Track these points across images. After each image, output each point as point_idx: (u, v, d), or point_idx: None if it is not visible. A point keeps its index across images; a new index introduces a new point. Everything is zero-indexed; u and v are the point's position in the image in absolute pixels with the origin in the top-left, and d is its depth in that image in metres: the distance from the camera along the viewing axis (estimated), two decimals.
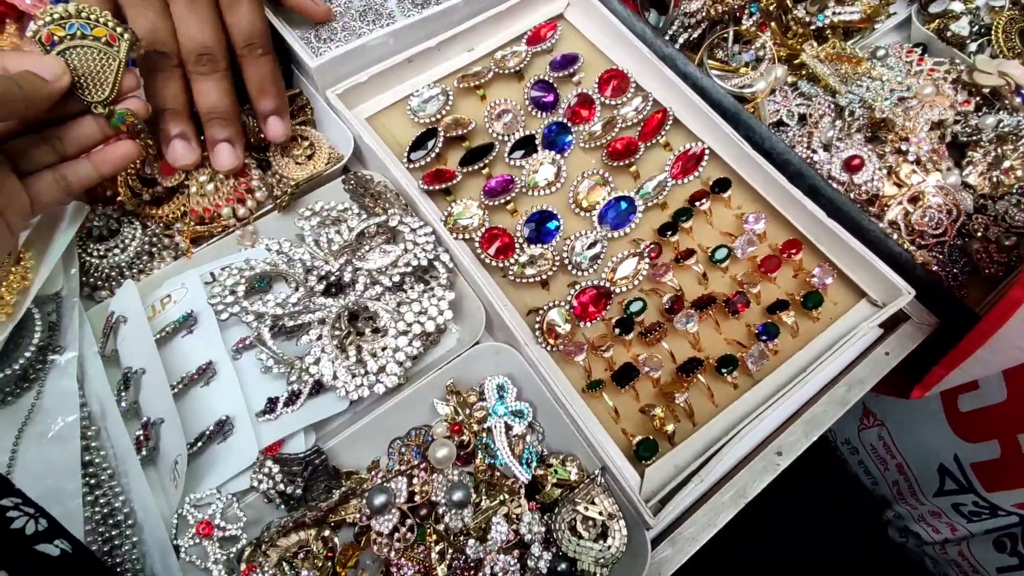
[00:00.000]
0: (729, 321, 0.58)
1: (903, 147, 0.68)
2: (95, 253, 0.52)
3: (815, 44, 0.74)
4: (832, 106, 0.72)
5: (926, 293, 0.57)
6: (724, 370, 0.54)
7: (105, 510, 0.43)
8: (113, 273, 0.51)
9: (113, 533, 0.42)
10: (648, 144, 0.65)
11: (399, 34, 0.64)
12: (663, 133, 0.65)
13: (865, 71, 0.72)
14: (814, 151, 0.70)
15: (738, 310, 0.57)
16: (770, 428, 0.54)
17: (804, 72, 0.75)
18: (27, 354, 0.45)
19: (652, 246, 0.60)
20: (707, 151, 0.64)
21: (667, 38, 0.73)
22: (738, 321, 0.58)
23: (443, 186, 0.60)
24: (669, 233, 0.60)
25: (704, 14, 0.75)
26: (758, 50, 0.75)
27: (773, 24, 0.75)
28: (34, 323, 0.46)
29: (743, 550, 0.93)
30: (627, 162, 0.63)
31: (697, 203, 0.62)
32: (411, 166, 0.62)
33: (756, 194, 0.63)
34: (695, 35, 0.77)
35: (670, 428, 0.51)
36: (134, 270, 0.53)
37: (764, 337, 0.56)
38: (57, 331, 0.47)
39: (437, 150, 0.62)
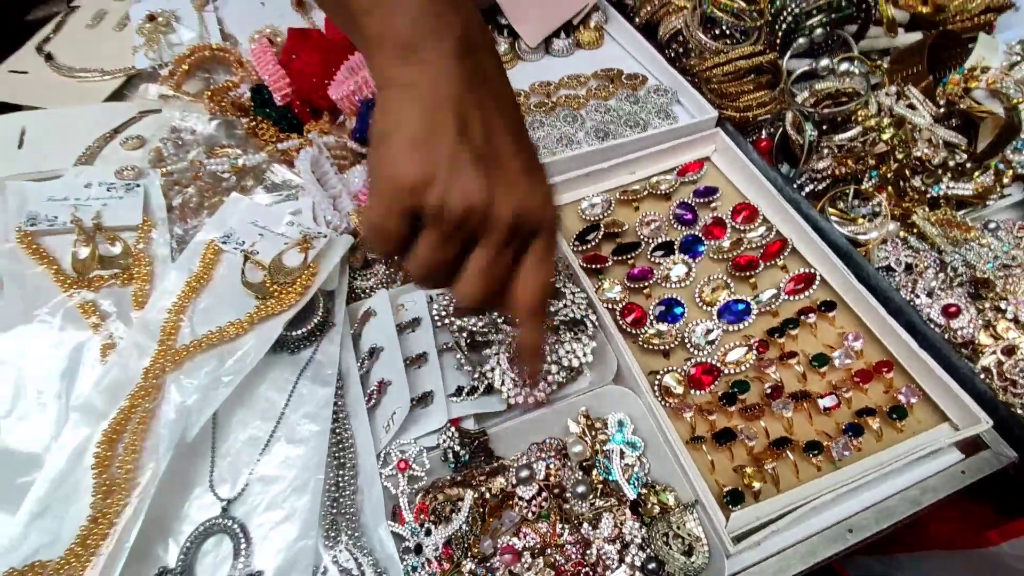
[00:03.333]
0: (820, 416, 0.69)
1: (1002, 305, 0.77)
2: (359, 277, 0.75)
3: (927, 209, 0.87)
4: (938, 261, 0.83)
5: (1006, 429, 0.65)
6: (811, 452, 0.65)
7: (338, 437, 0.61)
8: (367, 287, 0.74)
9: (342, 455, 0.60)
10: (768, 264, 0.80)
11: (582, 156, 0.87)
12: (782, 258, 0.80)
13: (974, 238, 0.84)
14: (916, 295, 0.81)
15: (830, 408, 0.68)
16: (845, 508, 0.63)
17: (915, 230, 0.87)
18: (311, 324, 0.67)
19: (760, 342, 0.73)
20: (819, 277, 0.77)
21: (795, 186, 0.90)
22: (828, 418, 0.69)
23: (597, 267, 0.79)
24: (777, 335, 0.74)
25: (829, 172, 0.91)
26: (875, 206, 0.89)
27: (890, 188, 0.89)
28: (318, 304, 0.68)
29: None
30: (748, 274, 0.79)
31: (804, 316, 0.75)
32: (576, 248, 0.81)
33: (858, 319, 0.75)
34: (820, 187, 0.93)
35: (757, 486, 0.62)
36: (378, 286, 0.75)
37: (850, 433, 0.66)
38: (331, 313, 0.69)
39: (597, 240, 0.82)
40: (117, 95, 0.92)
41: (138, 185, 0.73)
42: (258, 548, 0.55)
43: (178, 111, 0.85)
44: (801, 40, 0.94)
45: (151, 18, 0.96)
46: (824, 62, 0.92)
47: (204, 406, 0.58)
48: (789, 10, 0.94)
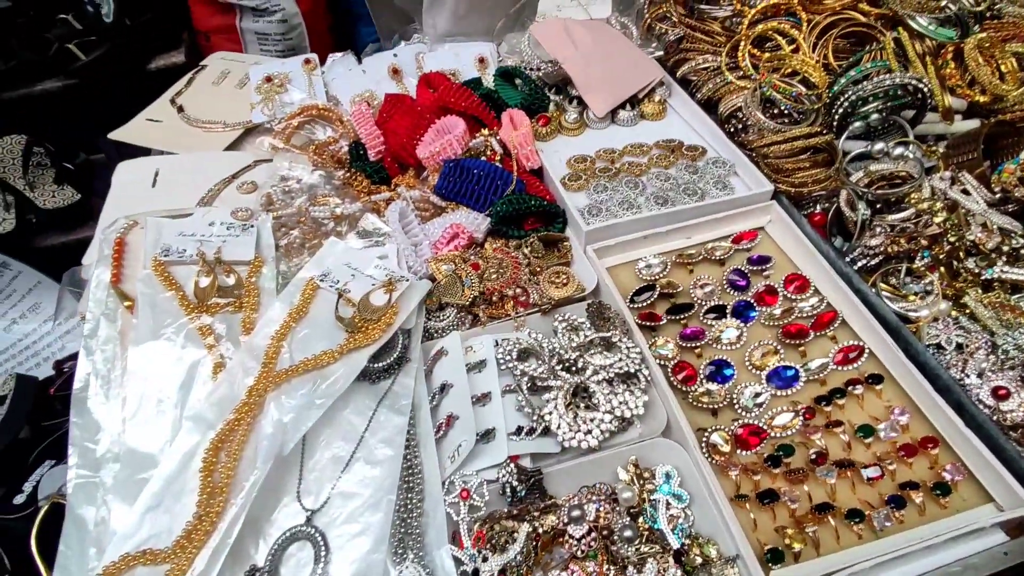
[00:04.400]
0: (863, 486, 0.71)
1: None
2: (433, 318, 0.83)
3: (980, 291, 0.89)
4: (989, 343, 0.85)
5: None
6: (852, 520, 0.67)
7: (409, 463, 0.68)
8: (440, 328, 0.82)
9: (411, 480, 0.67)
10: (817, 334, 0.84)
11: (642, 221, 0.94)
12: (831, 329, 0.84)
13: None
14: (967, 375, 0.83)
15: (873, 479, 0.71)
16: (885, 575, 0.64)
17: (967, 311, 0.89)
18: (391, 358, 0.75)
19: (808, 409, 0.77)
20: (867, 351, 0.81)
21: (848, 260, 0.94)
22: (871, 488, 0.71)
23: (651, 324, 0.85)
24: (824, 403, 0.77)
25: (882, 249, 0.94)
26: (927, 285, 0.92)
27: (943, 269, 0.92)
28: (398, 341, 0.76)
29: None
30: (797, 343, 0.83)
31: (852, 387, 0.78)
32: (632, 306, 0.87)
33: (905, 394, 0.78)
34: (872, 263, 0.96)
35: (797, 548, 0.65)
36: (450, 328, 0.83)
37: (892, 505, 0.68)
38: (408, 350, 0.77)
39: (652, 299, 0.88)
40: (235, 145, 1.05)
41: (252, 226, 0.84)
42: (335, 556, 0.61)
43: (286, 161, 0.97)
44: (857, 123, 1.00)
45: (268, 79, 1.10)
46: (879, 145, 0.97)
47: (299, 424, 0.66)
48: (847, 95, 0.99)
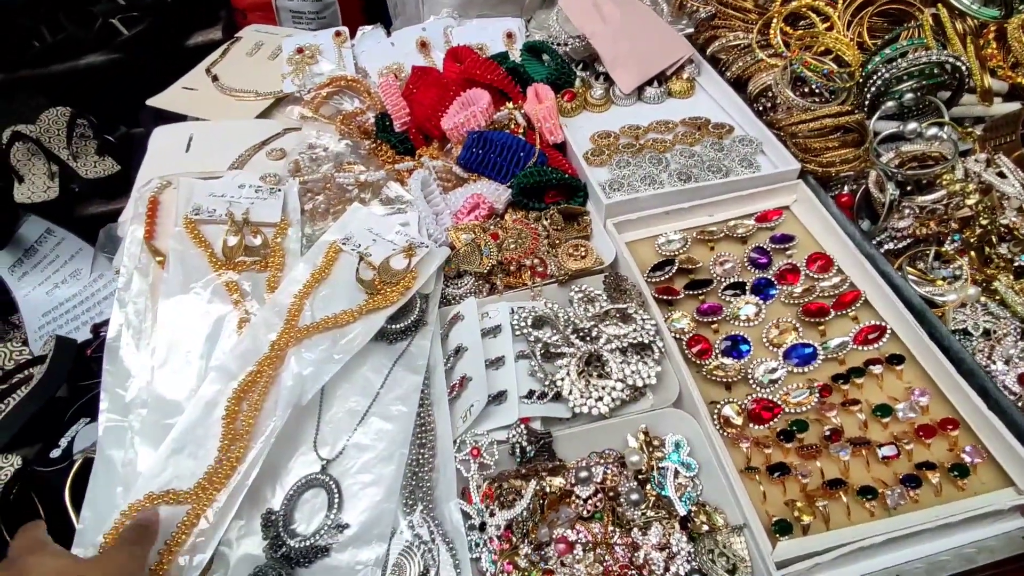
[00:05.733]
0: (879, 465, 0.70)
1: None
2: (451, 285, 0.84)
3: (1011, 277, 0.86)
4: (1019, 329, 0.82)
5: None
6: (865, 497, 0.66)
7: (422, 421, 0.70)
8: (457, 294, 0.83)
9: (424, 437, 0.68)
10: (839, 314, 0.82)
11: (664, 196, 0.93)
12: (853, 309, 0.82)
13: None
14: (993, 362, 0.80)
15: (889, 457, 0.70)
16: (895, 556, 0.64)
17: (997, 297, 0.87)
18: (408, 320, 0.76)
19: (824, 386, 0.76)
20: (889, 331, 0.79)
21: (874, 243, 0.92)
22: (886, 467, 0.70)
23: (668, 298, 0.85)
24: (841, 382, 0.76)
25: (910, 232, 0.92)
26: (955, 270, 0.89)
27: (973, 253, 0.90)
28: (416, 304, 0.78)
29: None
30: (817, 321, 0.82)
31: (871, 367, 0.77)
32: (650, 280, 0.87)
33: (926, 376, 0.76)
34: (899, 246, 0.94)
35: (807, 520, 0.65)
36: (467, 295, 0.84)
37: (908, 484, 0.67)
38: (425, 313, 0.78)
39: (670, 274, 0.87)
40: (266, 113, 1.08)
41: (279, 190, 0.86)
42: (348, 504, 0.63)
43: (314, 130, 0.99)
44: (890, 103, 0.97)
45: (299, 51, 1.12)
46: (912, 125, 0.95)
47: (318, 377, 0.68)
48: (880, 74, 0.97)
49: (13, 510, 1.11)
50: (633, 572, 0.61)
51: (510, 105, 1.01)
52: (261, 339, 0.72)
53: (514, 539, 0.63)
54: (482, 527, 0.63)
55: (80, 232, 1.59)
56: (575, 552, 0.62)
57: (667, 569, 0.61)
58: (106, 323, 1.42)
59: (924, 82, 0.97)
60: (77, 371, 1.32)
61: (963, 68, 0.94)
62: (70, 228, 1.59)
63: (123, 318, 0.75)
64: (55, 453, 1.20)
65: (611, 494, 0.65)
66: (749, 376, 0.77)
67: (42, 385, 1.30)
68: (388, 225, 0.84)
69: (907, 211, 0.91)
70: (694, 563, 0.61)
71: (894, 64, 0.96)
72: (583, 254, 0.90)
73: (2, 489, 1.15)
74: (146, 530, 0.58)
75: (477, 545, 0.62)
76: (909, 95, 0.97)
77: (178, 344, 0.73)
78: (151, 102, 1.11)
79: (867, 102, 0.99)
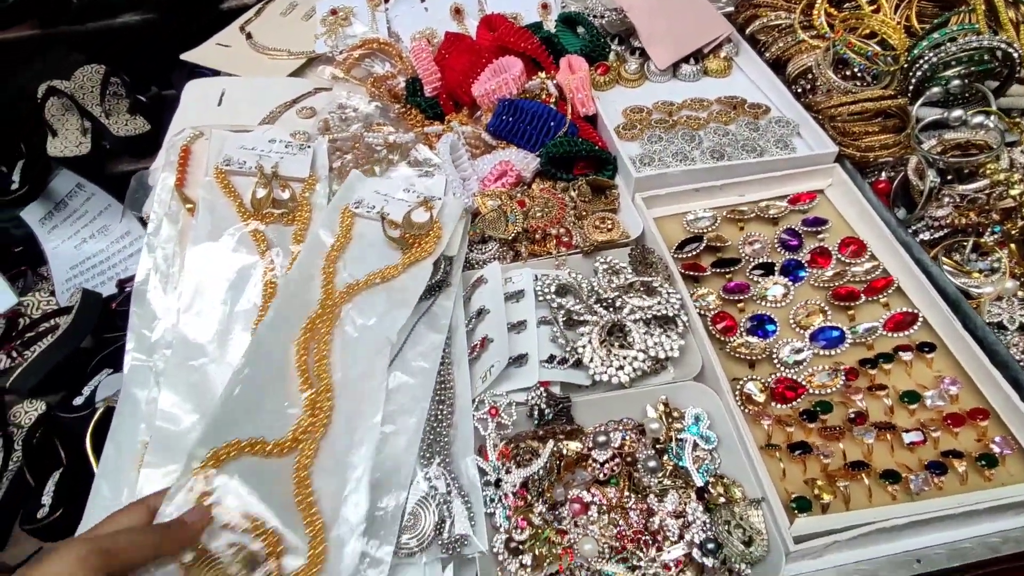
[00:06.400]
0: (903, 450, 0.69)
1: None
2: (475, 250, 0.84)
3: None
4: None
5: None
6: (887, 480, 0.65)
7: (443, 378, 0.69)
8: (482, 259, 0.83)
9: (443, 394, 0.68)
10: (869, 299, 0.81)
11: (694, 173, 0.92)
12: (885, 295, 0.80)
13: None
14: None
15: (914, 443, 0.68)
16: (916, 540, 0.62)
17: None
18: (433, 281, 0.76)
19: (851, 370, 0.74)
20: (921, 319, 0.77)
21: (910, 231, 0.89)
22: (911, 453, 0.69)
23: (695, 274, 0.83)
24: (868, 366, 0.74)
25: (948, 222, 0.89)
26: (993, 262, 0.87)
27: (1013, 246, 0.87)
28: (440, 265, 0.78)
29: None
30: (847, 305, 0.80)
31: (900, 353, 0.75)
32: (677, 256, 0.86)
33: (957, 366, 0.74)
34: (936, 235, 0.91)
35: (827, 499, 0.63)
36: (491, 260, 0.83)
37: (934, 470, 0.65)
38: (449, 275, 0.78)
39: (698, 250, 0.86)
40: (298, 73, 1.08)
41: (309, 146, 0.86)
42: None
43: (345, 91, 0.99)
44: (935, 89, 0.95)
45: (333, 12, 1.12)
46: (957, 112, 0.92)
47: (387, 326, 0.69)
48: (926, 58, 0.94)
49: (36, 453, 1.14)
50: (647, 537, 0.61)
51: (543, 75, 1.00)
52: (301, 299, 0.72)
53: (529, 497, 0.62)
54: (497, 483, 0.63)
55: (109, 189, 1.62)
56: (589, 513, 0.62)
57: (681, 537, 0.61)
58: (131, 279, 1.45)
59: (972, 69, 0.94)
60: (101, 324, 1.35)
61: (1015, 55, 0.91)
62: (99, 185, 1.61)
63: (151, 263, 0.76)
64: (78, 401, 1.22)
65: (628, 459, 0.64)
66: (774, 356, 0.76)
67: (67, 335, 1.32)
68: (394, 185, 0.84)
69: (946, 200, 0.89)
70: (709, 532, 0.60)
71: (942, 48, 0.93)
72: (609, 227, 0.88)
73: (26, 432, 1.18)
74: (188, 533, 0.51)
75: (492, 501, 0.62)
76: (956, 82, 0.94)
77: (204, 289, 0.73)
78: (185, 56, 1.11)
79: (911, 87, 0.96)
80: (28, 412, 1.19)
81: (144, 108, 1.68)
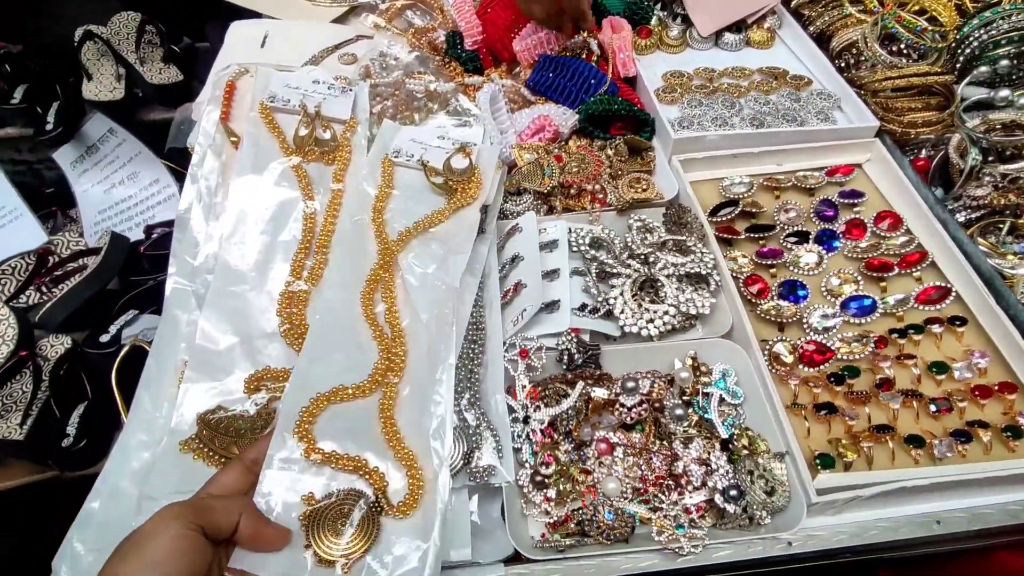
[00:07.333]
0: (928, 418, 0.69)
1: None
2: (510, 201, 0.84)
3: None
4: None
5: None
6: (911, 444, 0.65)
7: (475, 319, 0.70)
8: (517, 211, 0.83)
9: (475, 334, 0.69)
10: (902, 272, 0.80)
11: (733, 138, 0.91)
12: (918, 269, 0.80)
13: None
14: None
15: (940, 412, 0.68)
16: (938, 504, 0.63)
17: None
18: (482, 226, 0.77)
19: (880, 338, 0.74)
20: (954, 293, 0.77)
21: (947, 209, 0.89)
22: (936, 421, 0.69)
23: (728, 236, 0.84)
24: (898, 336, 0.74)
25: (987, 202, 0.89)
26: None
27: None
28: (487, 211, 0.78)
29: None
30: (880, 276, 0.80)
31: (931, 326, 0.75)
32: (712, 219, 0.86)
33: (988, 341, 0.74)
34: (974, 215, 0.91)
35: (850, 458, 0.64)
36: (526, 211, 0.84)
37: (959, 438, 0.66)
38: (484, 222, 0.78)
39: (733, 214, 0.86)
40: (341, 20, 1.08)
41: (351, 89, 0.87)
42: None
43: (387, 40, 0.99)
44: (983, 68, 0.93)
45: None
46: (1004, 92, 0.91)
47: (450, 271, 0.70)
48: (976, 36, 0.93)
49: (63, 386, 1.17)
50: (670, 481, 0.62)
51: (584, 32, 0.99)
52: (358, 251, 0.73)
53: (556, 436, 0.64)
54: (526, 420, 0.64)
55: (140, 136, 1.63)
56: (615, 454, 0.63)
57: (704, 483, 0.62)
58: (159, 225, 1.47)
59: (1023, 48, 0.92)
60: (128, 267, 1.37)
61: None
62: (131, 131, 1.62)
63: (195, 192, 0.77)
64: (104, 338, 1.24)
65: (656, 406, 0.65)
66: (804, 321, 0.76)
67: (95, 274, 1.35)
68: (429, 132, 0.84)
69: (986, 179, 0.88)
70: (733, 480, 0.61)
71: (993, 26, 0.92)
72: (644, 188, 0.89)
73: (53, 365, 1.20)
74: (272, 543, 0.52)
75: (519, 437, 0.64)
76: (1004, 61, 0.93)
77: (246, 219, 0.74)
78: None
79: (959, 65, 0.94)
80: (55, 346, 1.21)
81: (177, 58, 1.69)
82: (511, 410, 0.65)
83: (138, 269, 1.37)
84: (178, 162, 1.55)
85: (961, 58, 0.95)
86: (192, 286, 0.72)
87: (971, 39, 0.94)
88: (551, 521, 0.59)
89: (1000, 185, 0.87)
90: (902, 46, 0.99)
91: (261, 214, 0.75)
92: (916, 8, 1.01)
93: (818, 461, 0.64)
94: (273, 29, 1.03)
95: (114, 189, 1.67)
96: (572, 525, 0.59)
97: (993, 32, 0.92)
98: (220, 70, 0.88)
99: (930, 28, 0.96)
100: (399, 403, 0.62)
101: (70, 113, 1.62)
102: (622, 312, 0.72)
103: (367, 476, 0.57)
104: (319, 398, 0.61)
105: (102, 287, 1.34)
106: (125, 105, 1.62)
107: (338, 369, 0.64)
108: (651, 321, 0.72)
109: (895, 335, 0.75)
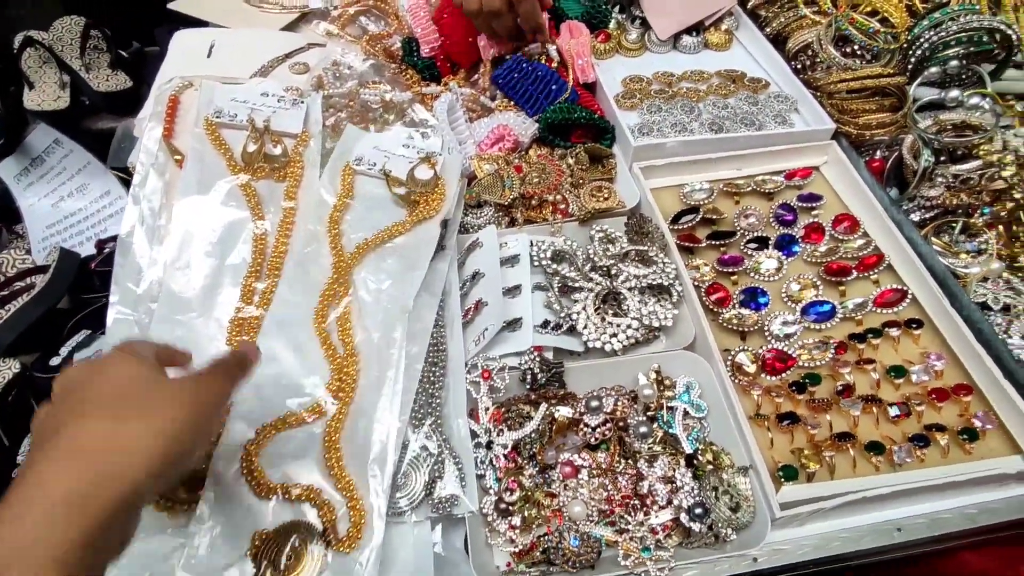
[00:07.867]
0: (888, 424, 0.70)
1: None
2: (470, 214, 0.83)
3: None
4: None
5: None
6: (872, 452, 0.66)
7: (435, 340, 0.69)
8: (477, 224, 0.82)
9: (436, 356, 0.68)
10: (860, 275, 0.81)
11: (693, 144, 0.91)
12: (875, 272, 0.81)
13: None
14: (1009, 336, 0.80)
15: (899, 416, 0.69)
16: (898, 511, 0.64)
17: (1021, 274, 0.85)
18: (442, 241, 0.75)
19: (840, 344, 0.75)
20: (910, 296, 0.78)
21: (902, 210, 0.90)
22: (895, 426, 0.70)
23: (690, 245, 0.83)
24: (857, 341, 0.75)
25: (940, 202, 0.90)
26: (981, 243, 0.88)
27: (1001, 228, 0.88)
28: (447, 226, 0.76)
29: None
30: (838, 281, 0.80)
31: (888, 329, 0.76)
32: (673, 228, 0.85)
33: (943, 343, 0.76)
34: (927, 216, 0.92)
35: (813, 468, 0.64)
36: (486, 225, 0.82)
37: (916, 443, 0.67)
38: (443, 238, 0.77)
39: (694, 222, 0.86)
40: (291, 27, 1.04)
41: (303, 101, 0.84)
42: None
43: (340, 48, 0.96)
44: (934, 69, 0.94)
45: None
46: (954, 93, 0.92)
47: (404, 289, 0.69)
48: (926, 37, 0.94)
49: (11, 413, 1.11)
50: (635, 502, 0.61)
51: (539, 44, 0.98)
52: (311, 265, 0.71)
53: (520, 460, 0.62)
54: (488, 445, 0.63)
55: (88, 147, 1.56)
56: (580, 477, 0.62)
57: (670, 502, 0.61)
58: (111, 239, 1.41)
59: (971, 49, 0.94)
60: (79, 284, 1.31)
61: (1013, 37, 0.91)
62: (78, 141, 1.55)
63: (137, 214, 0.74)
64: (55, 361, 1.19)
65: (620, 424, 0.65)
66: (765, 328, 0.77)
67: (44, 294, 1.28)
68: (394, 140, 0.82)
69: (939, 180, 0.89)
70: (697, 498, 0.61)
71: (942, 27, 0.93)
72: (606, 196, 0.88)
73: (1, 391, 1.15)
74: (243, 360, 0.51)
75: (482, 463, 0.62)
76: (954, 62, 0.94)
77: (191, 242, 0.71)
78: (173, 6, 1.07)
79: (910, 66, 0.96)
80: (2, 371, 1.16)
81: (126, 64, 1.62)
82: (473, 435, 0.64)
83: (89, 286, 1.31)
84: (134, 139, 1.48)
85: (913, 59, 0.96)
86: (135, 315, 0.68)
87: (922, 40, 0.95)
88: (516, 551, 0.58)
89: (952, 185, 0.88)
90: (856, 47, 1.00)
91: (208, 236, 0.72)
92: (869, 9, 1.02)
93: (781, 473, 0.64)
94: (220, 39, 0.99)
95: (62, 202, 1.59)
96: (538, 553, 0.58)
97: (943, 33, 0.93)
98: (163, 84, 0.84)
99: (882, 30, 0.97)
100: (345, 427, 0.61)
101: (11, 124, 1.54)
102: (585, 327, 0.71)
103: (317, 507, 0.55)
104: (266, 428, 0.59)
105: (52, 306, 1.28)
106: (71, 114, 1.54)
107: (292, 390, 0.62)
108: (614, 335, 0.71)
109: (855, 340, 0.75)
